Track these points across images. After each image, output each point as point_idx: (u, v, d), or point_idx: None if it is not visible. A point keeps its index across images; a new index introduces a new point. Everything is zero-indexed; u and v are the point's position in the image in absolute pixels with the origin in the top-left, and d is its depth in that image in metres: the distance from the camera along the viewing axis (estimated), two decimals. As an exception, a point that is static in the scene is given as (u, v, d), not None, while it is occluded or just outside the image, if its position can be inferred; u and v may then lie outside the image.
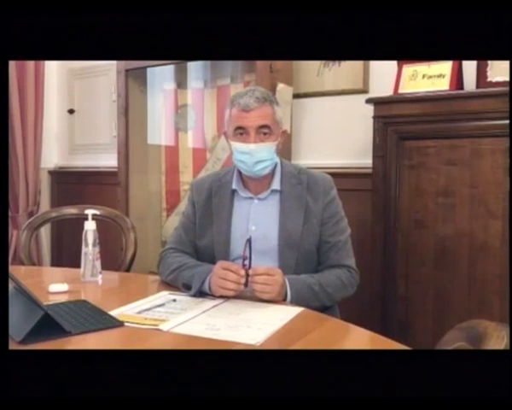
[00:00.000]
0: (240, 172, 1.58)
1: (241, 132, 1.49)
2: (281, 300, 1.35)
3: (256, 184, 1.56)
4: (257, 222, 1.53)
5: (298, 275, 1.43)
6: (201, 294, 1.38)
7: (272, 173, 1.56)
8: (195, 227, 1.60)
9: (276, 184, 1.55)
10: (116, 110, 2.79)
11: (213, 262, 1.49)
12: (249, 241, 1.33)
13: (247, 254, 1.33)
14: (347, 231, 1.56)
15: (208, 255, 1.55)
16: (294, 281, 1.39)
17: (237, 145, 1.49)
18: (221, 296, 1.34)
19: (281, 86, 2.30)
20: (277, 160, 1.56)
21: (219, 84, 2.68)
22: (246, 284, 1.32)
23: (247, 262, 1.32)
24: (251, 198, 1.57)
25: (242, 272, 1.31)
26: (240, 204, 1.57)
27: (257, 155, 1.47)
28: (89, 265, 1.59)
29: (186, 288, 1.41)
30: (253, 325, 1.14)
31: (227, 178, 1.61)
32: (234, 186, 1.58)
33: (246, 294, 1.37)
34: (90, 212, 1.63)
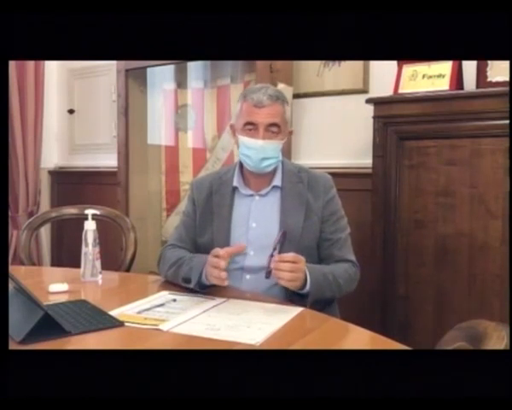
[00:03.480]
0: (241, 170, 1.60)
1: (250, 128, 1.50)
2: (300, 287, 1.34)
3: (258, 180, 1.57)
4: (257, 219, 1.54)
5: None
6: (202, 286, 1.39)
7: (274, 170, 1.57)
8: (196, 225, 1.61)
9: (277, 181, 1.56)
10: (116, 110, 2.79)
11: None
12: (284, 233, 1.34)
13: (278, 245, 1.32)
14: (347, 229, 1.57)
15: (208, 253, 1.55)
16: (312, 269, 1.38)
17: (245, 140, 1.50)
18: (222, 296, 1.35)
19: (281, 86, 2.29)
20: (281, 158, 1.58)
21: (219, 84, 2.68)
22: (268, 275, 1.30)
23: (275, 253, 1.31)
24: (252, 195, 1.57)
25: (221, 252, 1.31)
26: (240, 202, 1.58)
27: (264, 151, 1.48)
28: (89, 265, 1.59)
29: (186, 282, 1.43)
30: (253, 325, 1.14)
31: (228, 176, 1.61)
32: (235, 183, 1.58)
33: (246, 294, 1.37)
34: (90, 212, 1.63)
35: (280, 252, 1.33)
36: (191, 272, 1.41)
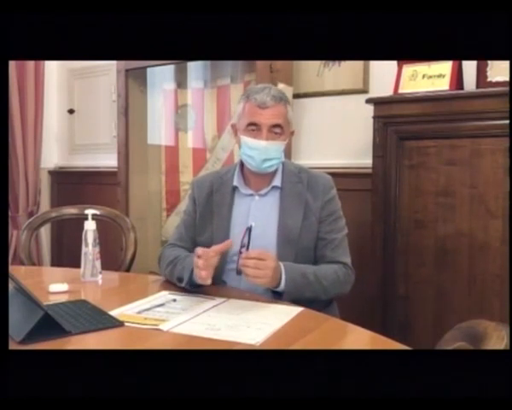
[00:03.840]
0: (241, 169, 1.60)
1: (253, 128, 1.50)
2: (274, 285, 1.35)
3: (258, 180, 1.57)
4: (256, 218, 1.54)
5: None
6: (193, 285, 1.40)
7: (274, 171, 1.57)
8: (196, 224, 1.61)
9: (277, 181, 1.57)
10: (116, 110, 2.79)
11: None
12: (249, 229, 1.33)
13: (246, 241, 1.32)
14: (344, 231, 1.57)
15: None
16: (289, 267, 1.39)
17: (248, 140, 1.50)
18: (221, 296, 1.35)
19: (281, 86, 2.30)
20: (283, 159, 1.58)
21: (219, 84, 2.68)
22: (239, 272, 1.31)
23: (244, 249, 1.32)
24: (252, 195, 1.58)
25: (198, 252, 1.32)
26: (240, 201, 1.58)
27: (267, 152, 1.49)
28: (89, 265, 1.59)
29: (179, 281, 1.44)
30: (252, 325, 1.14)
31: (228, 176, 1.62)
32: (235, 183, 1.59)
33: (245, 294, 1.37)
34: (90, 212, 1.63)
35: (249, 245, 1.34)
36: (183, 271, 1.42)
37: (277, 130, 1.50)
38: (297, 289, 1.37)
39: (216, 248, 1.34)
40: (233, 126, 1.62)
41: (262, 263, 1.31)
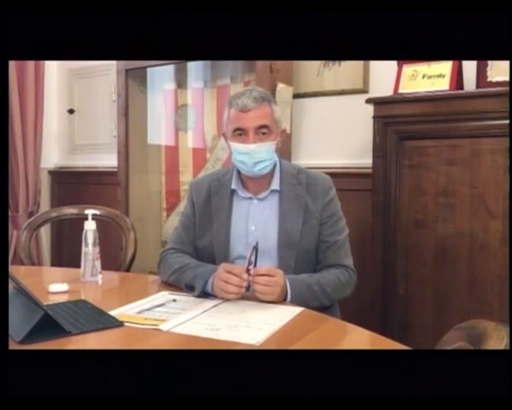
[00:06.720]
0: (239, 172, 1.59)
1: (239, 133, 1.49)
2: (281, 301, 1.35)
3: (255, 184, 1.56)
4: (256, 222, 1.53)
5: (297, 275, 1.43)
6: (205, 294, 1.37)
7: (272, 173, 1.56)
8: (195, 227, 1.61)
9: (275, 184, 1.55)
10: (116, 110, 2.79)
11: (213, 262, 1.49)
12: (256, 247, 1.32)
13: (253, 259, 1.32)
14: (345, 232, 1.56)
15: (208, 255, 1.55)
16: (294, 281, 1.38)
17: (236, 146, 1.49)
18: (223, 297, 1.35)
19: (281, 86, 2.30)
20: (277, 159, 1.57)
21: (219, 84, 2.68)
22: (247, 288, 1.32)
23: (251, 267, 1.32)
24: (250, 198, 1.57)
25: (245, 276, 1.30)
26: (239, 204, 1.57)
27: (256, 155, 1.47)
28: (89, 265, 1.59)
29: (189, 289, 1.41)
30: (253, 325, 1.14)
31: (226, 178, 1.61)
32: (233, 186, 1.58)
33: (246, 294, 1.37)
34: (90, 212, 1.63)
35: (256, 262, 1.33)
36: (195, 280, 1.39)
37: (264, 130, 1.48)
38: (303, 300, 1.36)
39: (242, 269, 1.33)
40: (223, 135, 1.60)
41: (272, 280, 1.31)
